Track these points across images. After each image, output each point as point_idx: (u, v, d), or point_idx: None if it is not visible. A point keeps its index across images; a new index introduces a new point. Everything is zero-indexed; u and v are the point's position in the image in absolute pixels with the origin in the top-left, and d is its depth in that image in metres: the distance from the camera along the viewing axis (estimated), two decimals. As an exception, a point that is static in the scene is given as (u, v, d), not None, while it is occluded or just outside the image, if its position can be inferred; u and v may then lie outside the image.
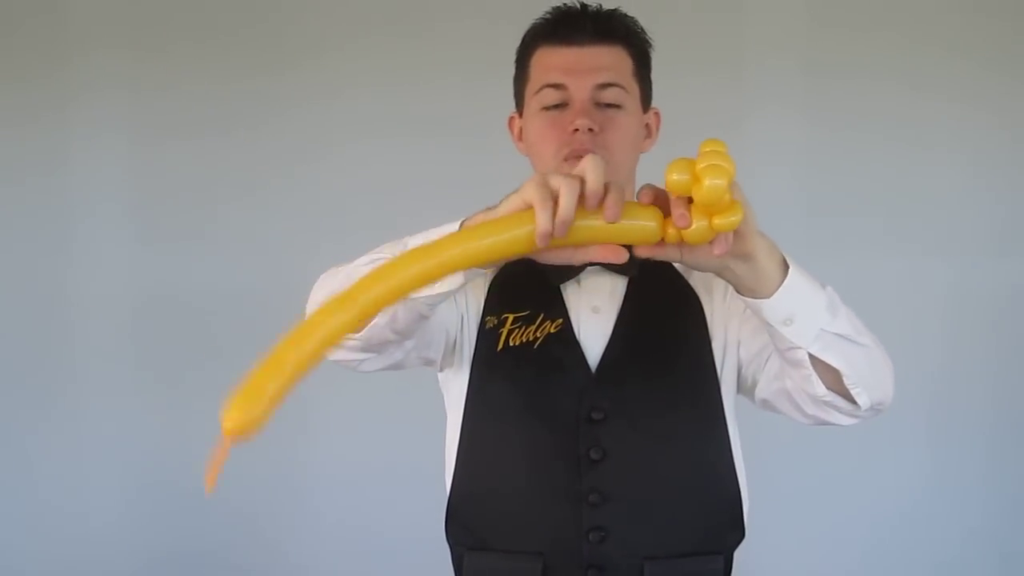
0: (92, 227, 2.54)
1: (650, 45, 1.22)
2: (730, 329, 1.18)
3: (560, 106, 1.16)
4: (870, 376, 1.05)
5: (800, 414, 1.12)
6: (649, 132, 1.24)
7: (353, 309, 0.84)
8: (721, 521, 1.17)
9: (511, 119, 1.26)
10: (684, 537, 1.13)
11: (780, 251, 0.97)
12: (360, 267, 1.02)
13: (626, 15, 1.20)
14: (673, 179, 0.84)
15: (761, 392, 1.17)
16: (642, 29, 1.21)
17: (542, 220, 0.82)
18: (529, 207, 0.83)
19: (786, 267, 0.96)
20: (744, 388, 1.21)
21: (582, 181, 0.83)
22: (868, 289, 2.45)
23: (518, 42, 1.24)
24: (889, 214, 2.48)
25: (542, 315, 1.16)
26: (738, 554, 1.20)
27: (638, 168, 1.22)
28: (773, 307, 0.98)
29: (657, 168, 1.29)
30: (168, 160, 2.54)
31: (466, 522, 1.17)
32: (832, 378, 1.03)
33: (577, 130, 1.13)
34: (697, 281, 1.21)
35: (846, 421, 1.10)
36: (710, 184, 0.82)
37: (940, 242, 2.49)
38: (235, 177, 2.53)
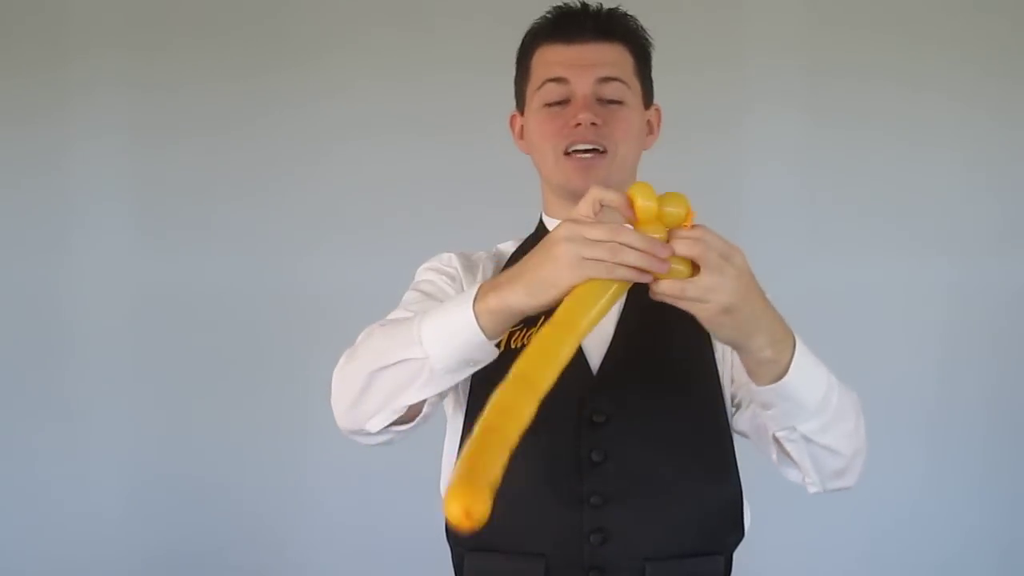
0: (92, 226, 2.54)
1: (650, 43, 1.22)
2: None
3: (562, 103, 1.16)
4: (829, 476, 1.07)
5: (768, 455, 1.13)
6: (651, 129, 1.24)
7: (535, 393, 0.86)
8: (721, 522, 1.17)
9: (512, 118, 1.27)
10: (685, 538, 1.13)
11: (787, 356, 0.95)
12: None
13: (626, 14, 1.20)
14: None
15: (739, 424, 1.18)
16: (642, 27, 1.22)
17: (635, 277, 0.88)
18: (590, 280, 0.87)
19: (784, 373, 0.96)
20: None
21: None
22: (868, 288, 2.47)
23: (519, 41, 1.25)
24: (889, 213, 2.48)
25: (543, 317, 1.16)
26: (738, 554, 1.20)
27: (639, 166, 1.22)
28: (756, 393, 1.00)
29: (658, 166, 1.29)
30: (168, 159, 2.54)
31: (467, 523, 1.16)
32: None
33: (579, 124, 1.13)
34: None
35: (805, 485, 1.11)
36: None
37: (940, 241, 2.49)
38: (235, 177, 2.53)
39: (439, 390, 0.98)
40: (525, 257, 0.93)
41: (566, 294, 0.88)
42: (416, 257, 1.28)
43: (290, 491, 2.53)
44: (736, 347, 0.95)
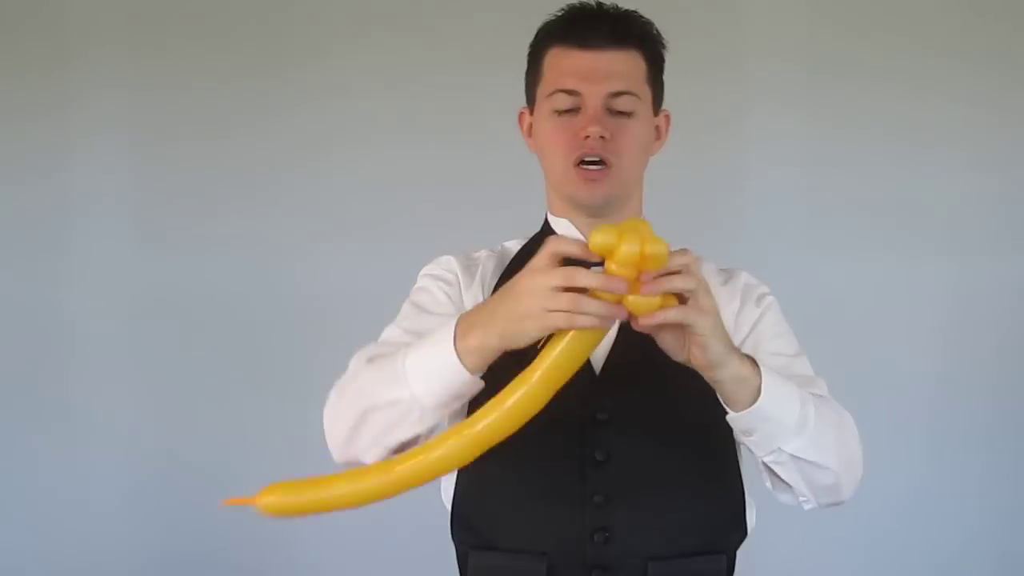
0: (92, 225, 2.54)
1: (664, 47, 1.21)
2: None
3: (572, 111, 1.15)
4: (822, 492, 1.08)
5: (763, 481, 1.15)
6: (659, 134, 1.23)
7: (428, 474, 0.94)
8: (724, 521, 1.17)
9: (521, 114, 1.26)
10: (688, 537, 1.14)
11: (757, 379, 0.99)
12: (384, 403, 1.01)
13: (642, 17, 1.19)
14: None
15: None
16: (657, 31, 1.20)
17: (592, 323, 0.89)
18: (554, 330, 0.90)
19: (758, 395, 0.99)
20: None
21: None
22: (869, 288, 2.47)
23: (519, 40, 1.24)
24: (889, 213, 2.49)
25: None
26: (740, 553, 1.20)
27: (647, 169, 1.22)
28: (735, 420, 1.02)
29: (664, 168, 1.30)
30: (168, 159, 2.54)
31: (471, 522, 1.16)
32: None
33: (588, 137, 1.13)
34: None
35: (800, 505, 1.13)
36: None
37: (940, 241, 2.49)
38: (235, 177, 2.53)
39: (432, 424, 1.00)
40: (498, 293, 0.95)
41: (542, 337, 0.91)
42: (417, 257, 1.28)
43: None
44: (719, 365, 0.96)
